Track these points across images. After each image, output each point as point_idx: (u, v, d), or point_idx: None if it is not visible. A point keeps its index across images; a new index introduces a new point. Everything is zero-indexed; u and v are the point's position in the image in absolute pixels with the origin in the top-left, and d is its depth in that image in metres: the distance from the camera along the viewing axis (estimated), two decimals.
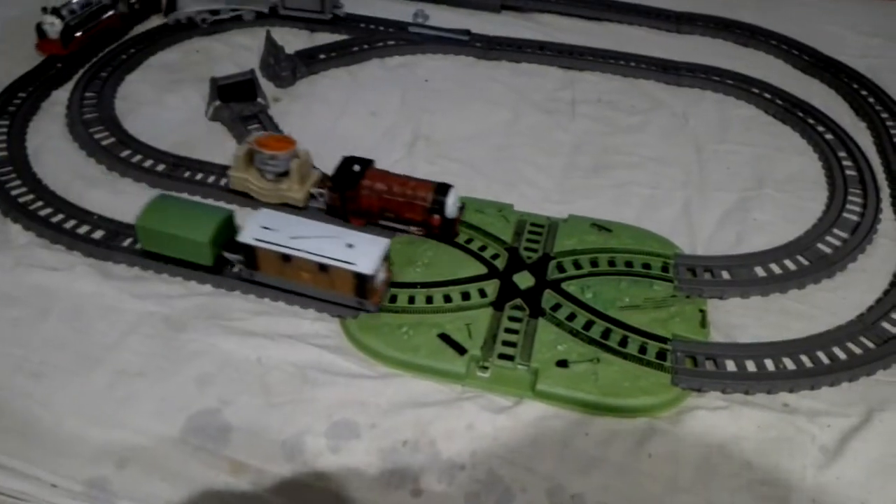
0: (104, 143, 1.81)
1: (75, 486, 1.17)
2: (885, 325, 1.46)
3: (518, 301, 1.46)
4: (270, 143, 1.59)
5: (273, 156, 1.57)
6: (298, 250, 1.36)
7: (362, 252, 1.37)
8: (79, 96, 1.94)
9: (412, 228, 1.57)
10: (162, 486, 1.17)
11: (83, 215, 1.60)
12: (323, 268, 1.36)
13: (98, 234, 1.56)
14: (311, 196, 1.62)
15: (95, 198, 1.66)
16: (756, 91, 2.13)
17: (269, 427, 1.25)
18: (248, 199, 1.64)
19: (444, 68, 2.21)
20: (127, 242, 1.54)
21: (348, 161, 1.59)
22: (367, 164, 1.59)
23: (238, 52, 2.18)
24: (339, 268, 1.35)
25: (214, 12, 1.98)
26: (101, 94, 1.97)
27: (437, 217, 1.53)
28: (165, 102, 1.99)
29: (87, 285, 1.46)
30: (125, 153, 1.78)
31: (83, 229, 1.57)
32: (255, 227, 1.39)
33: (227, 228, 1.46)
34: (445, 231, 1.56)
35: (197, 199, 1.65)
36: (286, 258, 1.38)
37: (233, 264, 1.46)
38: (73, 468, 1.19)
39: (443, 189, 1.53)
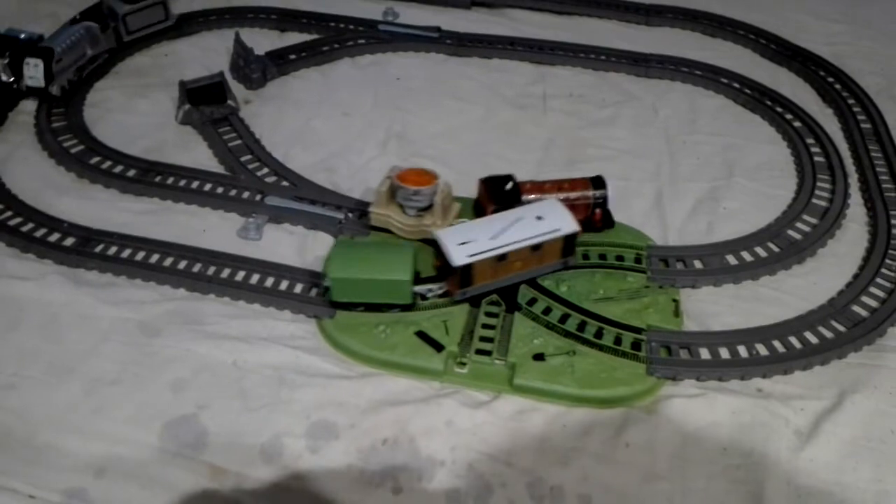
0: (73, 150, 1.79)
1: (53, 497, 1.16)
2: (856, 308, 1.48)
3: (494, 297, 1.46)
4: (411, 177, 1.53)
5: (417, 191, 1.51)
6: (511, 244, 1.39)
7: (554, 217, 1.42)
8: (47, 105, 1.92)
9: None
10: (141, 493, 1.17)
11: (53, 223, 1.59)
12: (536, 248, 1.39)
13: (69, 242, 1.54)
14: None
15: (66, 205, 1.65)
16: (725, 81, 2.15)
17: (247, 431, 1.24)
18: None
19: (415, 66, 2.21)
20: (99, 248, 1.52)
21: (492, 181, 1.57)
22: (508, 178, 1.56)
23: (207, 55, 2.17)
24: (550, 240, 1.39)
25: (80, 69, 1.98)
26: (69, 102, 1.95)
27: (599, 211, 1.56)
28: (135, 108, 1.97)
29: (59, 294, 1.44)
30: (95, 160, 1.77)
31: (54, 237, 1.56)
32: (455, 248, 1.37)
33: (415, 262, 1.41)
34: (607, 221, 1.58)
35: (370, 237, 1.59)
36: (501, 258, 1.39)
37: (424, 296, 1.43)
38: (50, 479, 1.17)
39: (599, 182, 1.56)
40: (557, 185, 1.57)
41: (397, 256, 1.41)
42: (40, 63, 1.83)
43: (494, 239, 1.38)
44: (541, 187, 1.58)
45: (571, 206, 1.51)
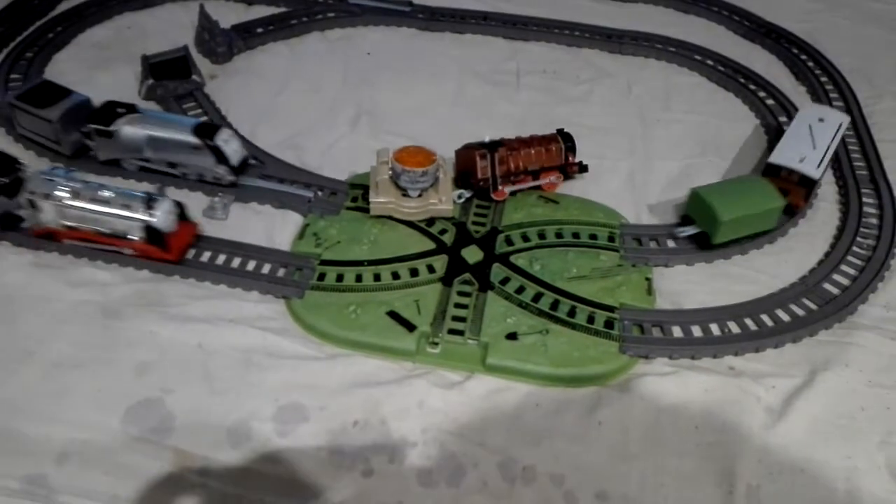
0: None
1: (12, 484, 1.12)
2: (827, 286, 1.49)
3: (467, 276, 1.45)
4: (409, 158, 1.51)
5: (424, 172, 1.49)
6: (828, 141, 1.66)
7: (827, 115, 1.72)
8: (3, 78, 1.85)
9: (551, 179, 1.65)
10: (105, 479, 1.13)
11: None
12: None
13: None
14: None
15: None
16: (699, 58, 2.14)
17: (214, 414, 1.21)
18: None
19: (386, 40, 2.17)
20: None
21: (468, 146, 1.62)
22: (480, 143, 1.62)
23: (171, 28, 2.11)
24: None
25: None
26: (27, 75, 1.88)
27: (572, 156, 1.64)
28: (96, 81, 1.90)
29: (16, 276, 1.40)
30: None
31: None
32: (803, 166, 1.57)
33: None
34: (581, 165, 1.68)
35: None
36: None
37: None
38: (9, 466, 1.14)
39: (563, 133, 1.67)
40: (528, 138, 1.65)
41: (761, 186, 1.54)
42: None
43: (815, 148, 1.59)
44: (514, 139, 1.64)
45: (548, 150, 1.62)
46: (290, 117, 1.84)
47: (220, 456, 1.17)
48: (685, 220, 1.58)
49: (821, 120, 1.71)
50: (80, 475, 1.14)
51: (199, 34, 2.03)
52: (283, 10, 2.21)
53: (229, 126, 1.76)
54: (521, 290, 1.42)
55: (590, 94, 2.01)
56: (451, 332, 1.34)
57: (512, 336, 1.34)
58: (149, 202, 1.36)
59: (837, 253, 1.56)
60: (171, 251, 1.39)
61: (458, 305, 1.39)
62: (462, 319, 1.36)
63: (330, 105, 1.91)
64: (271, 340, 1.33)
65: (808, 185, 1.59)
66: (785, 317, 1.42)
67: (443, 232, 1.53)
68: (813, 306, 1.44)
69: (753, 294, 1.46)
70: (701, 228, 1.52)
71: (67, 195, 1.35)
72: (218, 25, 2.01)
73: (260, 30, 2.12)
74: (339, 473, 1.16)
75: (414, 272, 1.44)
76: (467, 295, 1.41)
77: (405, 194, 1.53)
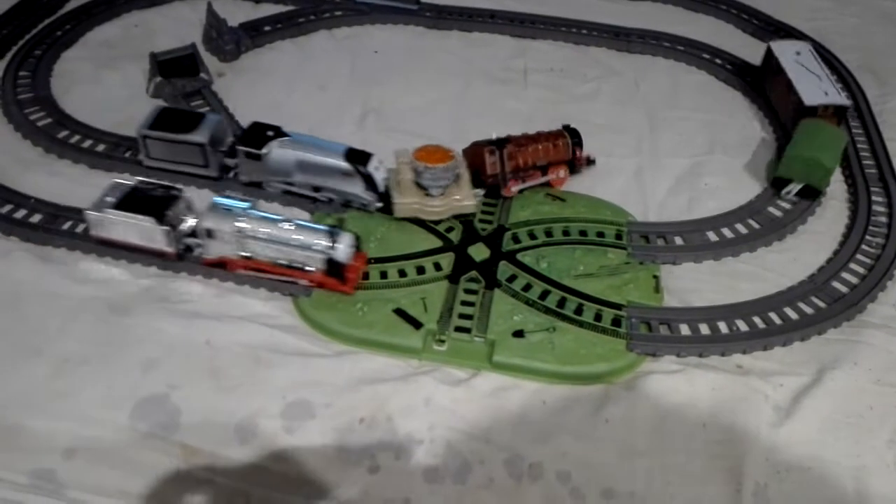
0: (40, 123, 1.74)
1: (20, 479, 1.13)
2: (836, 284, 1.48)
3: (473, 273, 1.44)
4: (429, 157, 1.50)
5: (446, 167, 1.50)
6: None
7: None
8: (12, 76, 1.86)
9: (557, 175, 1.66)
10: (112, 474, 1.14)
11: (20, 199, 1.54)
12: None
13: (36, 219, 1.50)
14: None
15: (32, 181, 1.60)
16: (707, 57, 2.13)
17: (221, 410, 1.22)
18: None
19: (393, 39, 2.17)
20: (67, 226, 1.48)
21: (477, 143, 1.62)
22: (489, 141, 1.61)
23: (179, 26, 2.11)
24: None
25: None
26: (35, 73, 1.89)
27: (579, 151, 1.65)
28: (104, 80, 1.91)
29: (24, 272, 1.40)
30: (63, 134, 1.71)
31: (20, 214, 1.51)
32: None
33: None
34: (589, 159, 1.71)
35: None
36: None
37: None
38: (17, 460, 1.14)
39: (568, 129, 1.68)
40: (534, 135, 1.65)
41: (823, 127, 1.68)
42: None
43: (822, 80, 1.76)
44: (520, 136, 1.64)
45: (555, 145, 1.63)
46: (297, 115, 1.84)
47: (228, 452, 1.17)
48: (777, 183, 1.67)
49: (797, 53, 1.88)
50: (88, 470, 1.14)
51: (206, 32, 2.04)
52: (290, 8, 2.21)
53: (236, 123, 1.77)
54: (527, 287, 1.42)
55: (597, 92, 2.00)
56: (458, 329, 1.34)
57: (519, 334, 1.34)
58: (332, 235, 1.36)
59: (846, 251, 1.55)
60: (348, 283, 1.38)
61: (464, 303, 1.39)
62: (469, 317, 1.36)
63: (337, 103, 1.91)
64: (279, 338, 1.33)
65: (841, 114, 1.75)
66: (793, 315, 1.41)
67: (449, 230, 1.53)
68: (822, 304, 1.43)
69: (762, 292, 1.45)
70: (804, 182, 1.64)
71: (249, 226, 1.35)
72: (226, 23, 2.01)
73: (268, 28, 2.12)
74: (345, 470, 1.16)
75: (420, 270, 1.44)
76: (474, 293, 1.41)
77: (428, 194, 1.52)
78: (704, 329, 1.38)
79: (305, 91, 1.94)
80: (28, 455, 1.15)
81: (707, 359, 1.34)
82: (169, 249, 1.39)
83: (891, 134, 1.88)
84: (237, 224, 1.36)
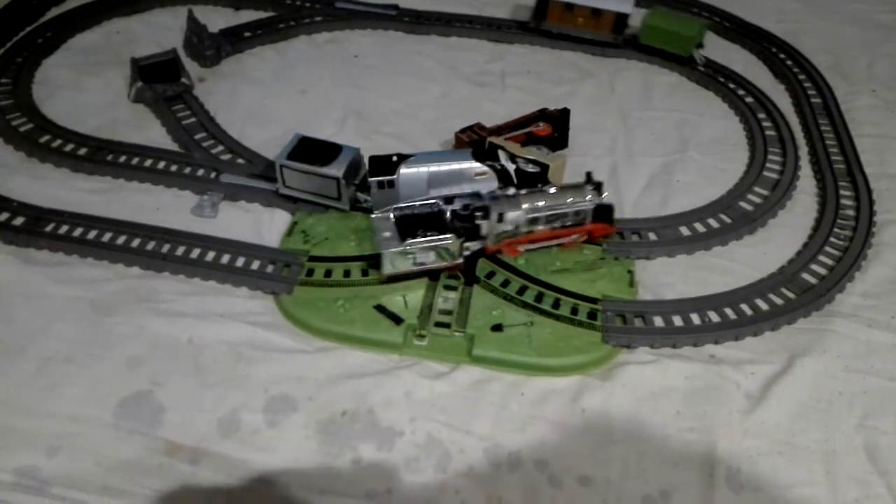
0: (22, 129, 1.75)
1: (4, 477, 1.14)
2: (805, 275, 1.52)
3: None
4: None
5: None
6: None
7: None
8: None
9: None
10: (96, 470, 1.15)
11: (2, 202, 1.55)
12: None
13: (18, 221, 1.51)
14: None
15: (15, 184, 1.61)
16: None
17: (204, 406, 1.23)
18: None
19: (373, 43, 2.20)
20: (49, 227, 1.49)
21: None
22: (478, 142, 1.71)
23: (160, 32, 2.13)
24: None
25: None
26: (17, 80, 1.91)
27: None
28: (85, 86, 1.93)
29: (8, 273, 1.42)
30: (45, 138, 1.73)
31: (3, 216, 1.52)
32: None
33: None
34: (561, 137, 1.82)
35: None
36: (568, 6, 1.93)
37: None
38: (1, 458, 1.15)
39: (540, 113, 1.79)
40: (514, 120, 1.76)
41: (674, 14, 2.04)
42: None
43: None
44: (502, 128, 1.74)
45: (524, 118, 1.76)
46: (278, 118, 1.87)
47: (211, 447, 1.19)
48: (642, 48, 2.13)
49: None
50: (72, 467, 1.15)
51: (187, 38, 2.06)
52: (270, 14, 2.24)
53: (217, 127, 1.79)
54: (506, 283, 1.45)
55: (572, 94, 2.04)
56: (438, 324, 1.37)
57: (497, 328, 1.36)
58: (593, 185, 1.47)
59: (815, 244, 1.59)
60: (613, 224, 1.51)
61: (444, 299, 1.41)
62: (448, 312, 1.39)
63: (318, 106, 1.93)
64: (261, 335, 1.35)
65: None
66: (764, 306, 1.45)
67: None
68: (791, 295, 1.47)
69: (733, 284, 1.49)
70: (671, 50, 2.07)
71: (528, 204, 1.43)
72: (206, 29, 2.04)
73: (248, 34, 2.14)
74: (327, 462, 1.18)
75: None
76: (453, 289, 1.44)
77: None
78: (678, 321, 1.41)
79: (286, 95, 1.97)
80: (12, 453, 1.16)
81: (680, 349, 1.38)
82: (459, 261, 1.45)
83: (858, 131, 1.93)
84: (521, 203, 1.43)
